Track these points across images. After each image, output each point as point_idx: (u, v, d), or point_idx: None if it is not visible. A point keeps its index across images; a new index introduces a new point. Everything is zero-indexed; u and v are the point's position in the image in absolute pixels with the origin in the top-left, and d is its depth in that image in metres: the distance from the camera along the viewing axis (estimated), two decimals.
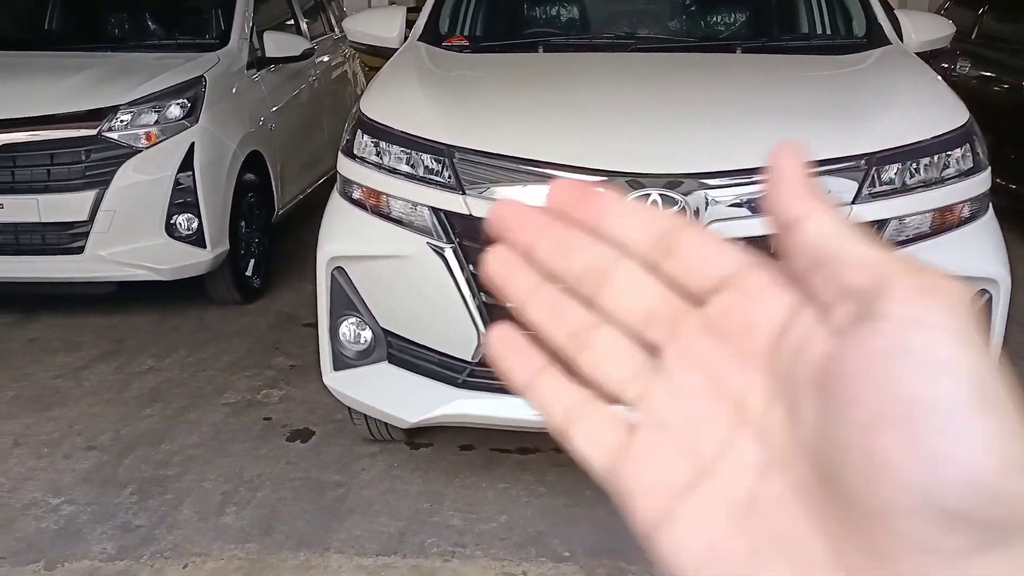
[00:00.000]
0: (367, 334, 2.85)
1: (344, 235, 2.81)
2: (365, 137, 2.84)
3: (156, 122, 4.39)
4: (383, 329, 2.82)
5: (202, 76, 4.61)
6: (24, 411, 3.66)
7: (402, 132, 2.74)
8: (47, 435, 3.47)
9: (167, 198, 4.35)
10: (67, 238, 4.30)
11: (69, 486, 3.12)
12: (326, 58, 6.45)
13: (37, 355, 4.23)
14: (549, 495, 3.04)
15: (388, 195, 2.73)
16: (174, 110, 4.45)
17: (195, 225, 4.43)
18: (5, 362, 4.14)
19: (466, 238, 2.61)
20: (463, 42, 3.39)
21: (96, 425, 3.54)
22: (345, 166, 2.87)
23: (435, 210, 2.64)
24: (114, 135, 4.31)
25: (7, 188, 4.25)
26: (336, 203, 2.89)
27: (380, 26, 3.60)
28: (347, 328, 2.87)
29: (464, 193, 2.60)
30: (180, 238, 4.42)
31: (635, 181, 2.48)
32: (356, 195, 2.82)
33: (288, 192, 5.50)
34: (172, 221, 4.39)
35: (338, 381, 2.92)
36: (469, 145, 2.62)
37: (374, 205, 2.77)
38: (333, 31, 6.85)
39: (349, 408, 3.05)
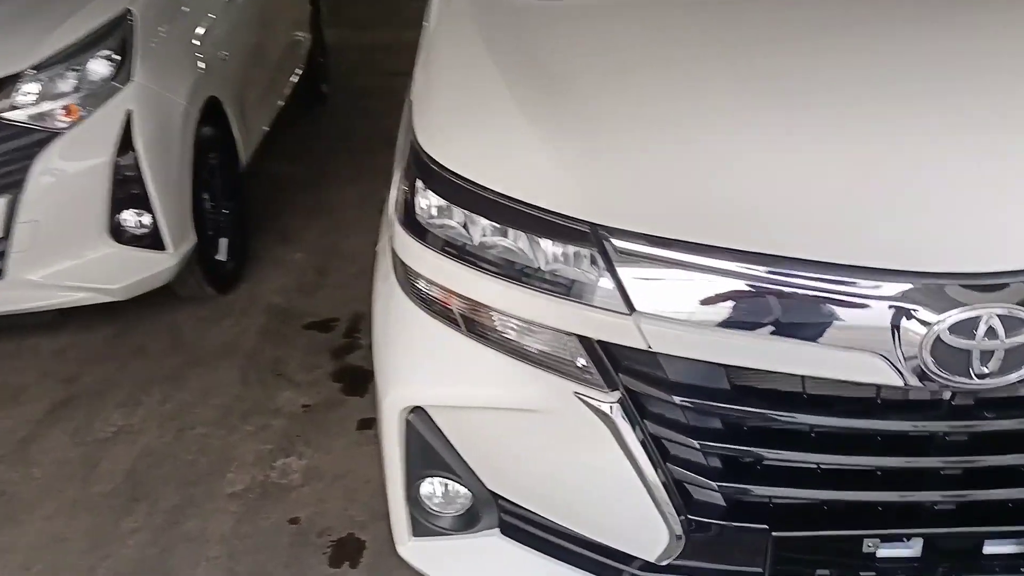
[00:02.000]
0: (464, 493, 1.80)
1: (424, 371, 1.68)
2: (434, 198, 1.67)
3: (76, 89, 3.07)
4: (492, 492, 1.77)
5: (128, 11, 3.25)
6: None
7: (506, 197, 1.58)
8: None
9: (106, 192, 3.11)
10: None
11: None
12: None
13: None
14: None
15: (492, 309, 1.60)
16: (97, 67, 3.12)
17: (148, 221, 3.21)
18: None
19: (642, 381, 1.53)
20: None
21: (63, 562, 2.48)
22: (406, 247, 1.71)
23: (583, 338, 1.54)
24: (20, 115, 2.99)
25: None
26: (397, 304, 1.73)
27: None
28: (432, 487, 1.81)
29: (633, 311, 1.49)
30: (130, 241, 3.21)
31: (953, 289, 1.39)
32: (432, 295, 1.69)
33: (253, 133, 4.22)
34: (116, 220, 3.17)
35: (422, 555, 1.87)
36: (639, 227, 1.48)
37: (468, 319, 1.64)
38: None
39: None
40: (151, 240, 3.22)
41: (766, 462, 1.54)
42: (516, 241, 1.57)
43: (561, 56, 1.83)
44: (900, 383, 1.43)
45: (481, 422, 1.67)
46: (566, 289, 1.54)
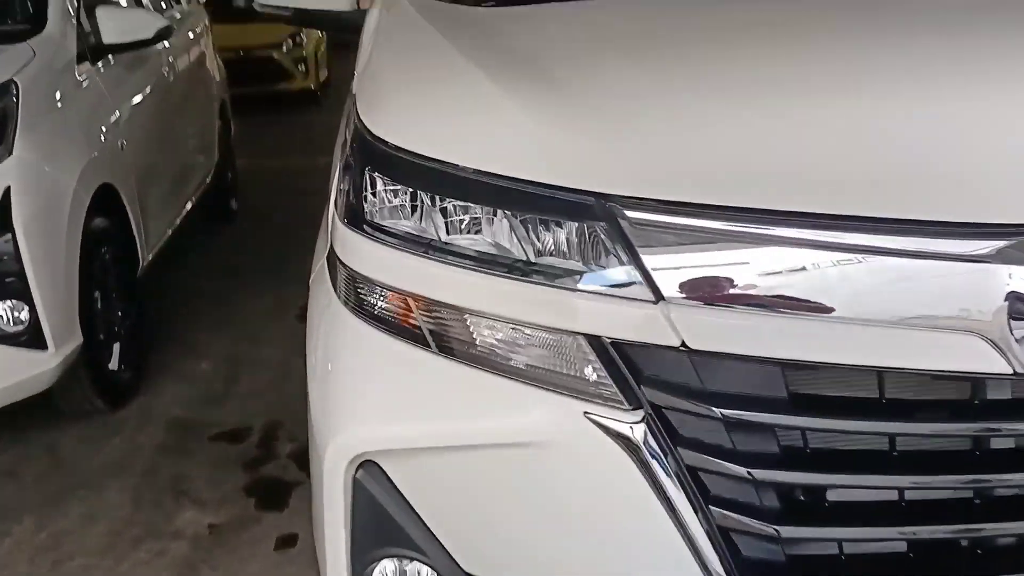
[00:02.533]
0: None
1: (379, 406, 1.28)
2: (388, 186, 1.34)
3: None
4: (468, 574, 1.35)
5: (11, 81, 2.92)
6: None
7: (481, 173, 1.26)
8: None
9: None
10: None
11: None
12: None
13: None
14: None
15: (470, 312, 1.25)
16: None
17: (25, 316, 2.76)
18: None
19: (673, 394, 1.18)
20: None
21: None
22: (354, 250, 1.35)
23: (593, 339, 1.20)
24: None
25: None
26: (343, 328, 1.35)
27: None
28: (386, 573, 1.39)
29: (661, 298, 1.16)
30: (3, 339, 2.75)
31: None
32: (390, 310, 1.32)
33: (154, 233, 3.84)
34: None
35: None
36: (659, 193, 1.17)
37: (438, 332, 1.28)
38: None
39: None
40: (29, 337, 2.77)
41: (836, 495, 1.19)
42: (499, 226, 1.24)
43: (527, 30, 1.55)
44: (1008, 370, 1.12)
45: (454, 472, 1.27)
46: (567, 278, 1.20)
